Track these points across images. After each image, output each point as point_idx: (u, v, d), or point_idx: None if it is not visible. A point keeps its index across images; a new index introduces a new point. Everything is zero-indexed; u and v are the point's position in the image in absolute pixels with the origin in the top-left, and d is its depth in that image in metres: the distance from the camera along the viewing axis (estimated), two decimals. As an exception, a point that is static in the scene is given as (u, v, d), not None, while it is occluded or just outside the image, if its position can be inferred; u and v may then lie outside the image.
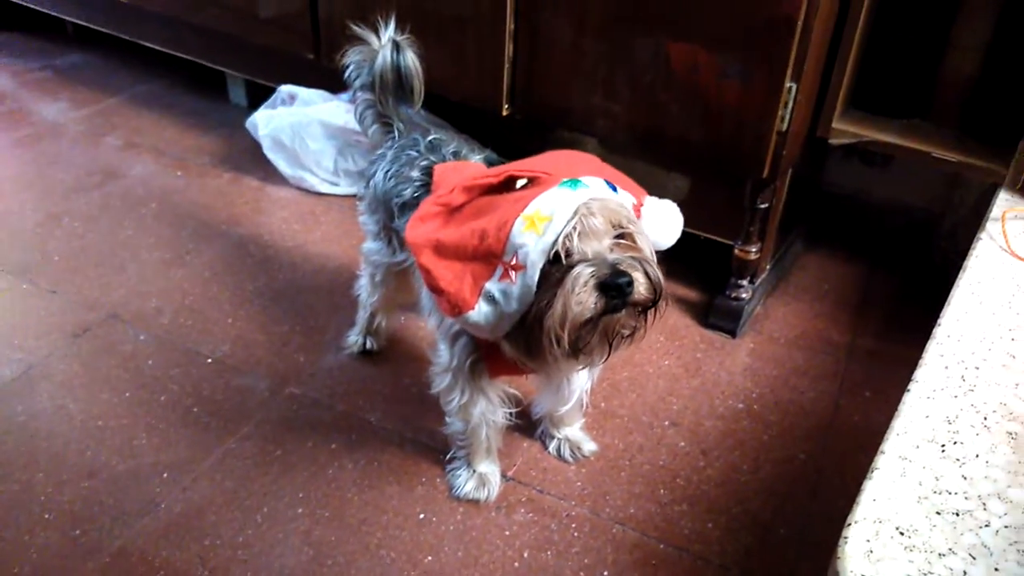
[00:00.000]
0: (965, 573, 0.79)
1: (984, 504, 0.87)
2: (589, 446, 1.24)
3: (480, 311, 0.88)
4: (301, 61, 1.77)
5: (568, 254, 0.84)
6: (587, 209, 0.84)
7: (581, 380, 1.11)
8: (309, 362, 1.38)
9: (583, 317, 0.84)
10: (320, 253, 1.64)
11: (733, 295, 1.47)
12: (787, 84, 1.22)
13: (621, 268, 0.83)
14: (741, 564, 1.09)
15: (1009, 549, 0.82)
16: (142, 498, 1.14)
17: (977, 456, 0.93)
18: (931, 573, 0.79)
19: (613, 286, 0.82)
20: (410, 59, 1.17)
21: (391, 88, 1.18)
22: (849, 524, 0.84)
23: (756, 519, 1.16)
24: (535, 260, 0.84)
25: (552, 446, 1.24)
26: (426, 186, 1.09)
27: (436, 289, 0.89)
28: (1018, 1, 1.31)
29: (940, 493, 0.88)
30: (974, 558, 0.80)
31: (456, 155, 1.13)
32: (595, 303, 0.83)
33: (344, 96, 1.76)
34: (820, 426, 1.31)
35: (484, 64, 1.48)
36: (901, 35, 1.39)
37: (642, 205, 0.94)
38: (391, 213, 1.14)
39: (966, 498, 0.88)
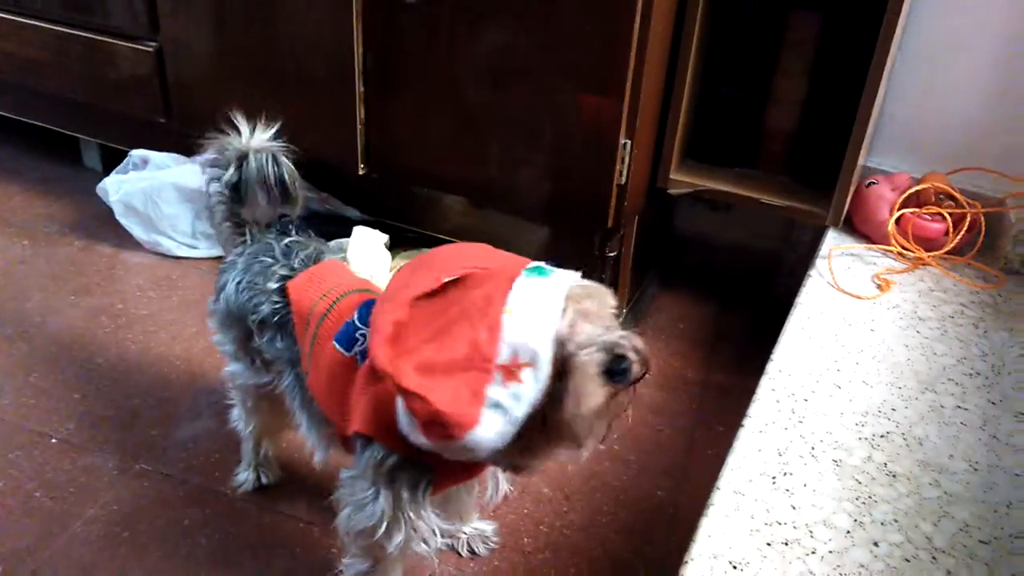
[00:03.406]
0: (791, 600, 0.83)
1: (811, 532, 0.93)
2: (492, 528, 1.20)
3: (488, 425, 0.78)
4: (152, 125, 1.74)
5: (567, 342, 0.80)
6: (577, 293, 0.81)
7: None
8: (161, 435, 1.33)
9: (596, 408, 0.80)
10: (176, 320, 1.60)
11: (592, 340, 1.52)
12: (622, 141, 1.29)
13: (620, 352, 0.79)
14: (602, 607, 1.12)
15: (832, 573, 0.87)
16: (-28, 596, 1.07)
17: (805, 485, 0.99)
18: (760, 603, 0.83)
19: (618, 371, 0.79)
20: (289, 170, 1.09)
21: (266, 195, 1.10)
22: (686, 562, 0.88)
23: (616, 560, 1.18)
24: (543, 353, 0.78)
25: (460, 545, 1.18)
26: (286, 303, 1.01)
27: (431, 413, 0.78)
28: (827, 60, 1.43)
29: (771, 524, 0.93)
30: (801, 584, 0.85)
31: (309, 260, 1.06)
32: (604, 392, 0.80)
33: (198, 159, 1.74)
34: (677, 463, 1.36)
35: (336, 126, 1.50)
36: (727, 91, 1.50)
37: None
38: (249, 331, 1.05)
39: (794, 527, 0.93)
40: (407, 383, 0.79)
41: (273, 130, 1.09)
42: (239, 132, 1.08)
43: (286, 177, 1.08)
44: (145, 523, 1.18)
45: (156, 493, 1.23)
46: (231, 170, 1.08)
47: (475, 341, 0.78)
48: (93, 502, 1.21)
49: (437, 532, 0.95)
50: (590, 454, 0.97)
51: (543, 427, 0.81)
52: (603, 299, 0.84)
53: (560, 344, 0.79)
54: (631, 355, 0.80)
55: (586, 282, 0.85)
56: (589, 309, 0.81)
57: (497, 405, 0.79)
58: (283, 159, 1.09)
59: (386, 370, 0.80)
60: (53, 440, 1.31)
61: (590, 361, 0.78)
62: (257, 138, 1.08)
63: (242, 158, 1.08)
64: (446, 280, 0.83)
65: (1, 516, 1.18)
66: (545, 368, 0.78)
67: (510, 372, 0.78)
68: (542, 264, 0.85)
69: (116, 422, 1.35)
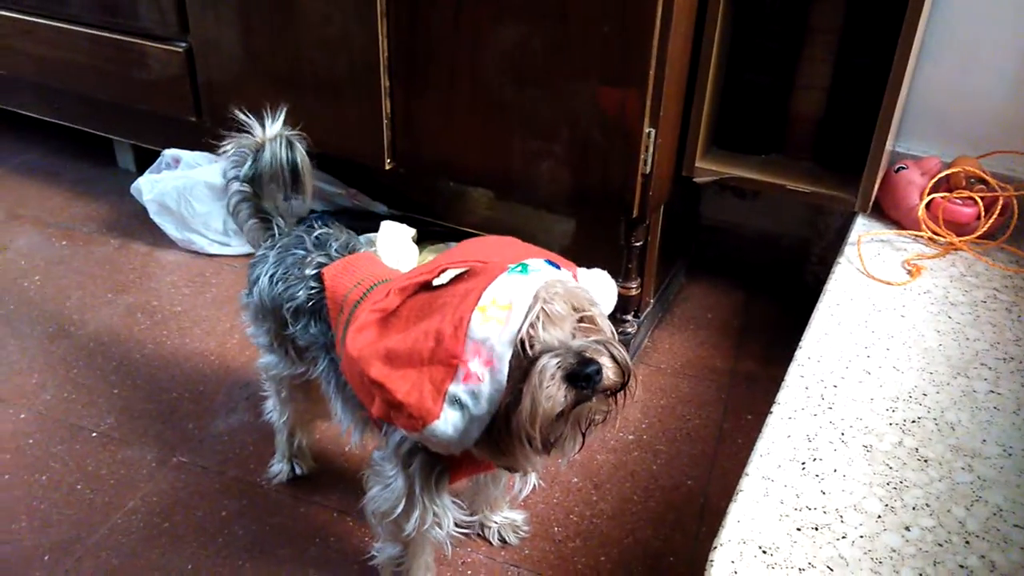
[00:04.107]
0: (822, 584, 0.83)
1: (841, 517, 0.92)
2: (523, 518, 1.21)
3: (447, 419, 0.79)
4: (184, 124, 1.77)
5: (532, 344, 0.79)
6: (547, 294, 0.79)
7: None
8: (198, 428, 1.36)
9: (554, 412, 0.78)
10: (210, 316, 1.63)
11: (619, 330, 1.52)
12: (646, 129, 1.29)
13: (587, 356, 0.77)
14: (632, 594, 1.13)
15: (864, 558, 0.87)
16: (20, 585, 1.10)
17: (835, 471, 0.99)
18: (791, 588, 0.83)
19: (582, 376, 0.77)
20: (302, 156, 1.11)
21: (278, 184, 1.11)
22: (715, 547, 0.88)
23: (647, 549, 1.19)
24: (501, 353, 0.77)
25: (491, 535, 1.19)
26: (321, 290, 1.03)
27: (393, 403, 0.80)
28: (852, 44, 1.42)
29: (800, 510, 0.93)
30: (832, 570, 0.85)
31: (344, 249, 1.08)
32: (565, 396, 0.78)
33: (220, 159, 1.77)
34: (706, 452, 1.36)
35: (363, 122, 1.51)
36: (752, 77, 1.49)
37: (576, 278, 0.91)
38: (283, 321, 1.06)
39: (824, 512, 0.93)
40: (373, 372, 0.81)
41: (282, 117, 1.10)
42: (255, 128, 1.10)
43: (298, 161, 1.10)
44: (183, 514, 1.21)
45: (194, 485, 1.26)
46: (248, 163, 1.10)
47: (441, 335, 0.79)
48: (133, 494, 1.24)
49: (451, 518, 0.96)
50: (569, 461, 0.96)
51: (507, 428, 0.80)
52: (579, 300, 0.82)
53: (521, 345, 0.78)
54: (603, 362, 0.79)
55: (568, 281, 0.83)
56: (557, 312, 0.79)
57: (456, 401, 0.79)
58: (297, 144, 1.10)
59: (354, 358, 0.82)
60: (93, 434, 1.35)
61: (548, 365, 0.77)
62: (271, 129, 1.10)
63: (258, 150, 1.10)
64: (454, 273, 0.84)
65: (45, 508, 1.21)
66: (503, 368, 0.78)
67: (470, 369, 0.78)
68: (532, 261, 0.83)
69: (154, 416, 1.38)
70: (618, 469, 1.32)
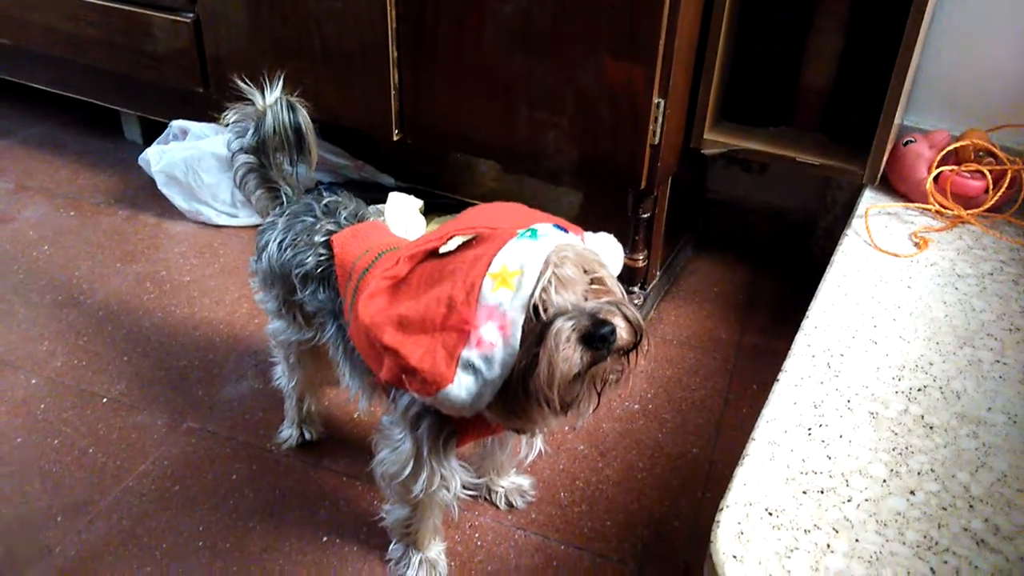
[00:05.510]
0: (828, 546, 0.84)
1: (847, 480, 0.93)
2: (530, 483, 1.22)
3: (460, 384, 0.80)
4: (191, 95, 1.77)
5: (544, 308, 0.79)
6: (557, 258, 0.80)
7: None
8: (208, 395, 1.37)
9: (571, 374, 0.79)
10: (218, 286, 1.63)
11: (626, 302, 1.53)
12: (655, 100, 1.28)
13: (601, 317, 0.78)
14: (638, 558, 1.14)
15: (869, 520, 0.88)
16: (35, 544, 1.12)
17: (841, 436, 0.99)
18: (797, 549, 0.84)
19: (597, 337, 0.78)
20: (304, 118, 1.10)
21: (283, 149, 1.12)
22: (721, 509, 0.89)
23: (652, 514, 1.20)
24: (514, 318, 0.78)
25: (498, 499, 1.20)
26: (329, 256, 1.03)
27: (407, 369, 0.81)
28: (863, 15, 1.41)
29: (806, 474, 0.94)
30: (837, 531, 0.86)
31: (354, 217, 1.08)
32: (581, 357, 0.79)
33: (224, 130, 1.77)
34: (711, 421, 1.37)
35: (371, 92, 1.51)
36: (761, 48, 1.48)
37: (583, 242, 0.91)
38: (291, 287, 1.07)
39: (830, 476, 0.94)
40: (386, 339, 0.82)
41: (281, 83, 1.10)
42: (256, 96, 1.10)
43: (301, 123, 1.10)
44: (194, 478, 1.23)
45: (204, 450, 1.27)
46: (251, 132, 1.11)
47: (453, 301, 0.79)
48: (144, 458, 1.26)
49: (458, 480, 0.98)
50: (584, 422, 0.97)
51: (524, 391, 0.81)
52: (590, 263, 0.83)
53: (534, 309, 0.79)
54: (616, 322, 0.80)
55: (578, 245, 0.84)
56: (568, 275, 0.80)
57: (470, 366, 0.80)
58: (298, 106, 1.10)
59: (366, 324, 0.83)
60: (104, 400, 1.36)
61: (563, 328, 0.78)
62: (271, 95, 1.10)
63: (260, 118, 1.10)
64: (462, 240, 0.85)
65: (58, 471, 1.23)
66: (516, 333, 0.79)
67: (483, 335, 0.79)
68: (540, 225, 0.84)
69: (164, 383, 1.40)
70: (624, 437, 1.33)
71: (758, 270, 1.76)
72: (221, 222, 1.81)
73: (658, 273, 1.60)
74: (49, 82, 2.07)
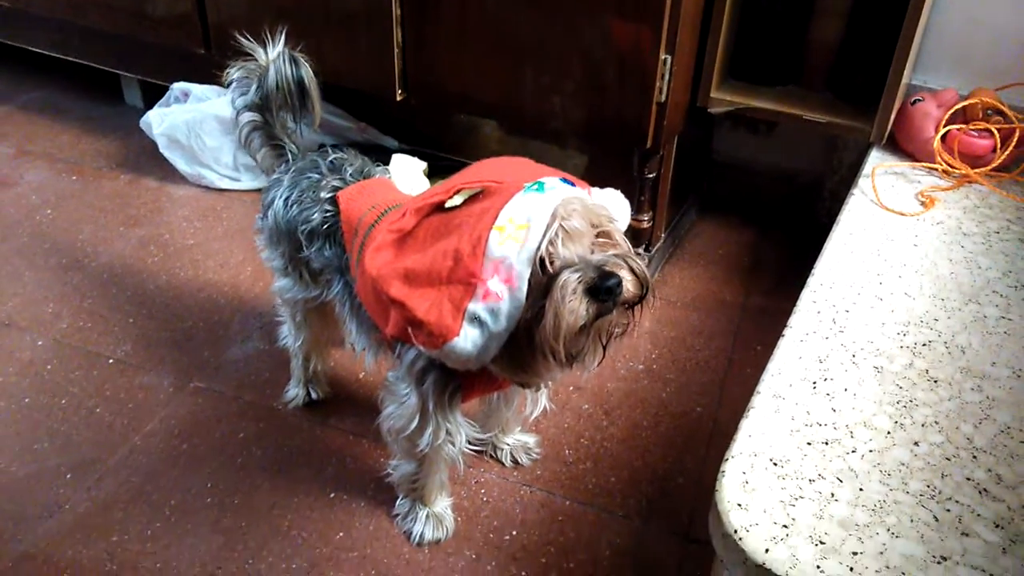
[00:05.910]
0: (832, 495, 0.85)
1: (851, 432, 0.94)
2: (535, 440, 1.23)
3: (467, 336, 0.80)
4: (193, 57, 1.76)
5: (551, 260, 0.79)
6: (564, 211, 0.79)
7: None
8: (213, 355, 1.38)
9: (577, 326, 0.79)
10: (222, 249, 1.63)
11: (630, 263, 1.53)
12: (662, 57, 1.27)
13: (608, 270, 0.78)
14: (642, 513, 1.15)
15: (873, 471, 0.88)
16: (45, 501, 1.13)
17: (846, 390, 1.00)
18: (801, 497, 0.85)
19: (603, 289, 0.78)
20: (307, 71, 1.09)
21: (287, 105, 1.10)
22: (727, 459, 0.90)
23: (656, 471, 1.21)
24: (521, 271, 0.78)
25: (504, 456, 1.21)
26: (335, 213, 1.03)
27: (413, 321, 0.81)
28: (872, -30, 1.39)
29: (811, 426, 0.95)
30: (841, 481, 0.87)
31: (359, 174, 1.07)
32: (587, 310, 0.79)
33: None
34: (715, 381, 1.38)
35: (374, 52, 1.50)
36: (769, 5, 1.47)
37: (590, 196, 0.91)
38: (297, 244, 1.07)
39: (835, 428, 0.94)
40: (392, 291, 0.82)
41: (283, 38, 1.09)
42: (258, 52, 1.09)
43: (304, 77, 1.09)
44: (202, 436, 1.23)
45: (211, 409, 1.28)
46: (254, 88, 1.10)
47: (459, 254, 0.79)
48: (151, 417, 1.26)
49: (463, 435, 0.99)
50: (591, 373, 0.98)
51: (530, 344, 0.81)
52: (597, 217, 0.83)
53: (541, 262, 0.79)
54: (623, 275, 0.80)
55: (585, 198, 0.83)
56: (575, 228, 0.80)
57: (476, 319, 0.80)
58: (301, 60, 1.09)
59: (373, 277, 0.83)
60: (110, 360, 1.37)
61: (570, 280, 0.78)
62: (273, 50, 1.09)
63: (263, 74, 1.09)
64: (468, 194, 0.84)
65: (66, 430, 1.24)
66: (523, 286, 0.79)
67: (489, 288, 0.79)
68: (547, 179, 0.83)
69: (170, 343, 1.40)
70: (628, 396, 1.34)
71: (763, 233, 1.76)
72: (224, 186, 1.80)
73: (663, 235, 1.59)
74: (48, 46, 2.05)
